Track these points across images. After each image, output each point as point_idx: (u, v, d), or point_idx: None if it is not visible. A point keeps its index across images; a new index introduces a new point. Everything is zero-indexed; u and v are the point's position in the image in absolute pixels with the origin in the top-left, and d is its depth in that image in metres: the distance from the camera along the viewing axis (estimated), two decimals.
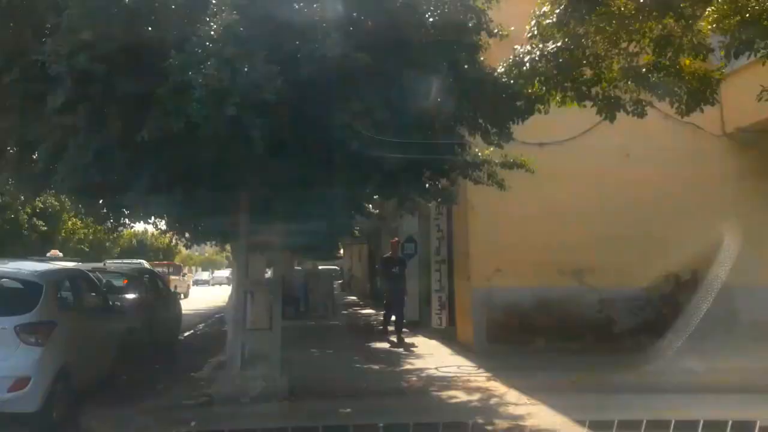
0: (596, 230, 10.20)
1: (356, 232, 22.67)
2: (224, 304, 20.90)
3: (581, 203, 10.24)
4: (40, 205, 23.37)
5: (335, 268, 29.95)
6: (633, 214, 10.20)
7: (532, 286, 10.18)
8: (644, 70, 5.68)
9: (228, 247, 19.14)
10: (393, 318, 12.00)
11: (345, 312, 19.56)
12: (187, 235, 12.76)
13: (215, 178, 5.93)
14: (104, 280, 10.62)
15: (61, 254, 16.74)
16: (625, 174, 10.28)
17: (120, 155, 5.38)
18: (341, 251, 29.80)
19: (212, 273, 55.87)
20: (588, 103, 6.16)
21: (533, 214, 10.11)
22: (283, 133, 5.32)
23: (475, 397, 7.43)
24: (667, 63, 5.53)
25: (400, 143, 6.08)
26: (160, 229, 10.65)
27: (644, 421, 3.13)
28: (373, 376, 8.67)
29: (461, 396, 7.47)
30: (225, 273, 40.84)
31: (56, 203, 24.53)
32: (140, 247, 41.88)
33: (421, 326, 13.19)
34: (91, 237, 31.72)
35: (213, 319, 17.45)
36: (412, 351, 10.74)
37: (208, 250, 53.66)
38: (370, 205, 16.25)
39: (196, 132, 4.97)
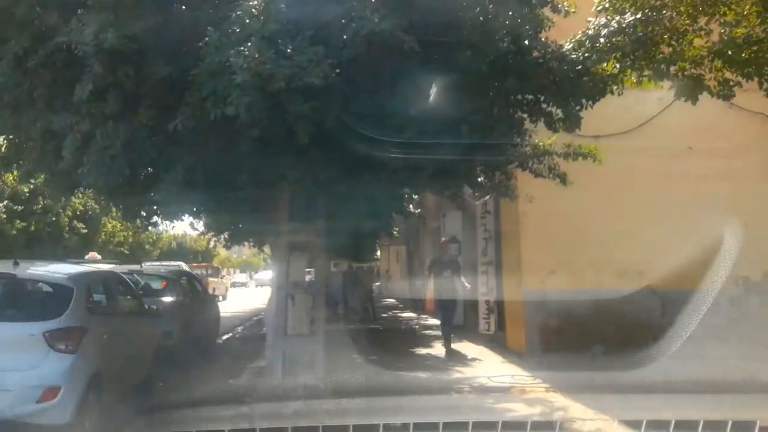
0: (658, 228, 9.52)
1: (395, 232, 22.34)
2: (263, 305, 20.68)
3: (641, 199, 9.58)
4: (81, 207, 23.49)
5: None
6: (697, 211, 9.45)
7: (589, 288, 9.51)
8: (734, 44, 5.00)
9: (266, 248, 18.91)
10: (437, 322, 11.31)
11: (385, 315, 19.04)
12: (225, 235, 12.46)
13: (255, 171, 5.45)
14: (142, 283, 10.35)
15: (99, 256, 16.67)
16: (688, 168, 9.54)
17: (150, 146, 4.95)
18: (378, 253, 29.41)
19: (250, 275, 56.05)
20: (666, 84, 5.50)
21: (590, 211, 9.48)
22: (328, 122, 4.82)
23: (536, 410, 6.80)
24: (762, 35, 4.85)
25: (453, 131, 5.54)
26: (197, 229, 10.27)
27: (729, 422, 2.98)
28: (422, 385, 8.10)
29: (520, 409, 6.86)
30: (267, 275, 40.83)
31: (96, 206, 24.67)
32: (179, 249, 42.15)
33: (467, 331, 12.56)
34: (131, 239, 31.91)
35: (251, 321, 17.14)
36: (463, 359, 10.05)
37: (246, 251, 53.88)
38: (411, 205, 15.74)
39: (234, 120, 4.51)
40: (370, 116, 5.11)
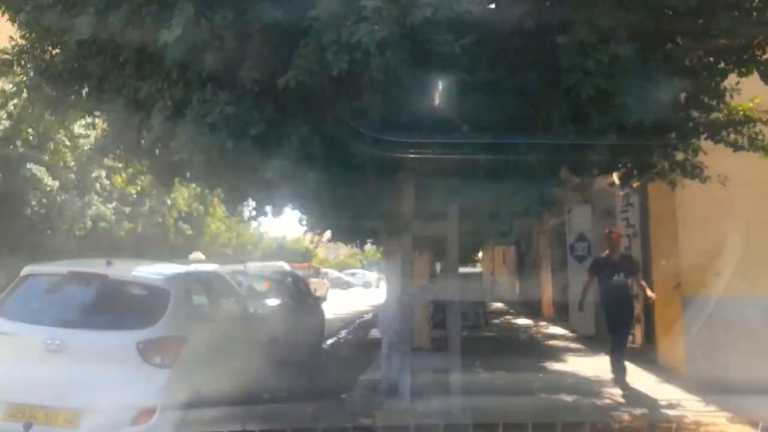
0: None
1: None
2: (365, 308, 19.88)
3: None
4: (185, 208, 23.79)
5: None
6: None
7: (766, 294, 7.80)
8: None
9: (366, 248, 17.99)
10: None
11: (497, 321, 17.62)
12: (327, 237, 11.57)
13: (383, 140, 4.34)
14: (245, 284, 9.70)
15: (203, 257, 16.42)
16: None
17: (258, 112, 3.97)
18: (479, 253, 27.99)
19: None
20: None
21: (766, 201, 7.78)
22: (482, 71, 3.64)
23: None
24: None
25: (633, 88, 4.20)
26: (304, 225, 9.39)
27: None
28: (570, 412, 6.74)
29: None
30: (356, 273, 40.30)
31: (201, 206, 24.99)
32: (279, 249, 42.56)
33: (601, 342, 10.95)
34: (234, 241, 32.33)
35: (354, 324, 16.32)
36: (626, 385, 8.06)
37: (343, 252, 53.82)
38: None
39: (362, 74, 3.44)
40: (530, 66, 3.88)
